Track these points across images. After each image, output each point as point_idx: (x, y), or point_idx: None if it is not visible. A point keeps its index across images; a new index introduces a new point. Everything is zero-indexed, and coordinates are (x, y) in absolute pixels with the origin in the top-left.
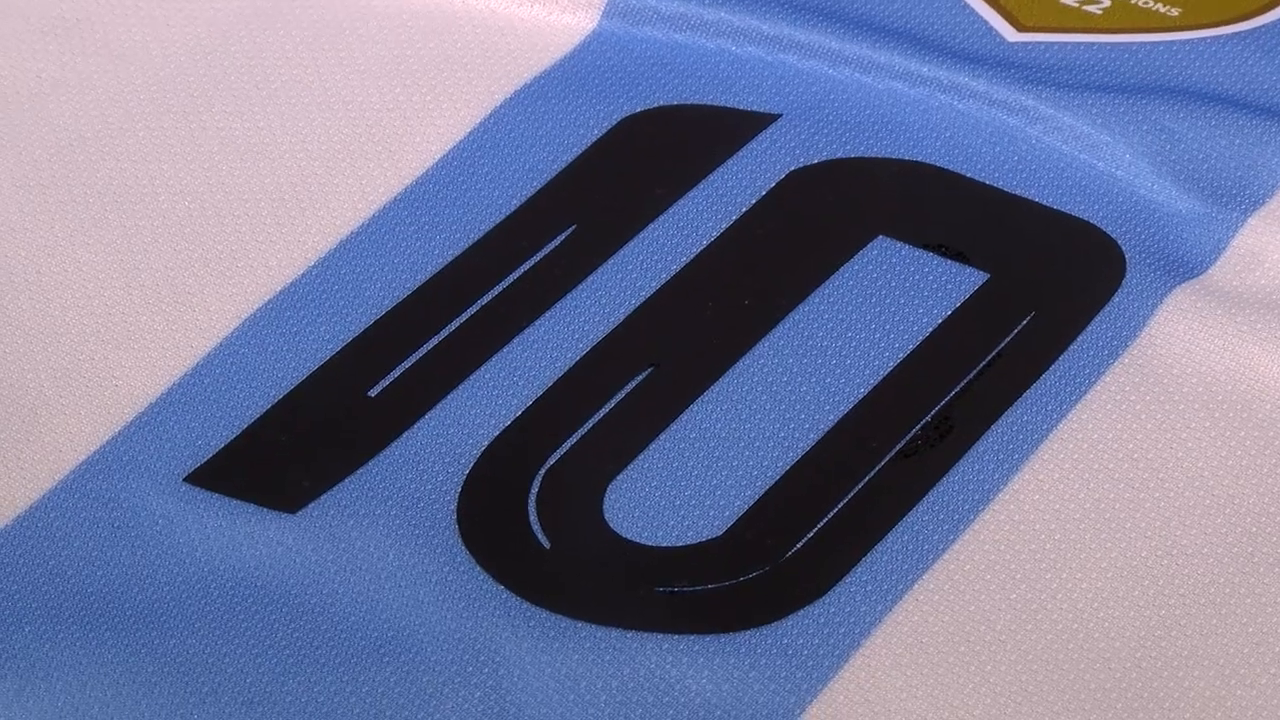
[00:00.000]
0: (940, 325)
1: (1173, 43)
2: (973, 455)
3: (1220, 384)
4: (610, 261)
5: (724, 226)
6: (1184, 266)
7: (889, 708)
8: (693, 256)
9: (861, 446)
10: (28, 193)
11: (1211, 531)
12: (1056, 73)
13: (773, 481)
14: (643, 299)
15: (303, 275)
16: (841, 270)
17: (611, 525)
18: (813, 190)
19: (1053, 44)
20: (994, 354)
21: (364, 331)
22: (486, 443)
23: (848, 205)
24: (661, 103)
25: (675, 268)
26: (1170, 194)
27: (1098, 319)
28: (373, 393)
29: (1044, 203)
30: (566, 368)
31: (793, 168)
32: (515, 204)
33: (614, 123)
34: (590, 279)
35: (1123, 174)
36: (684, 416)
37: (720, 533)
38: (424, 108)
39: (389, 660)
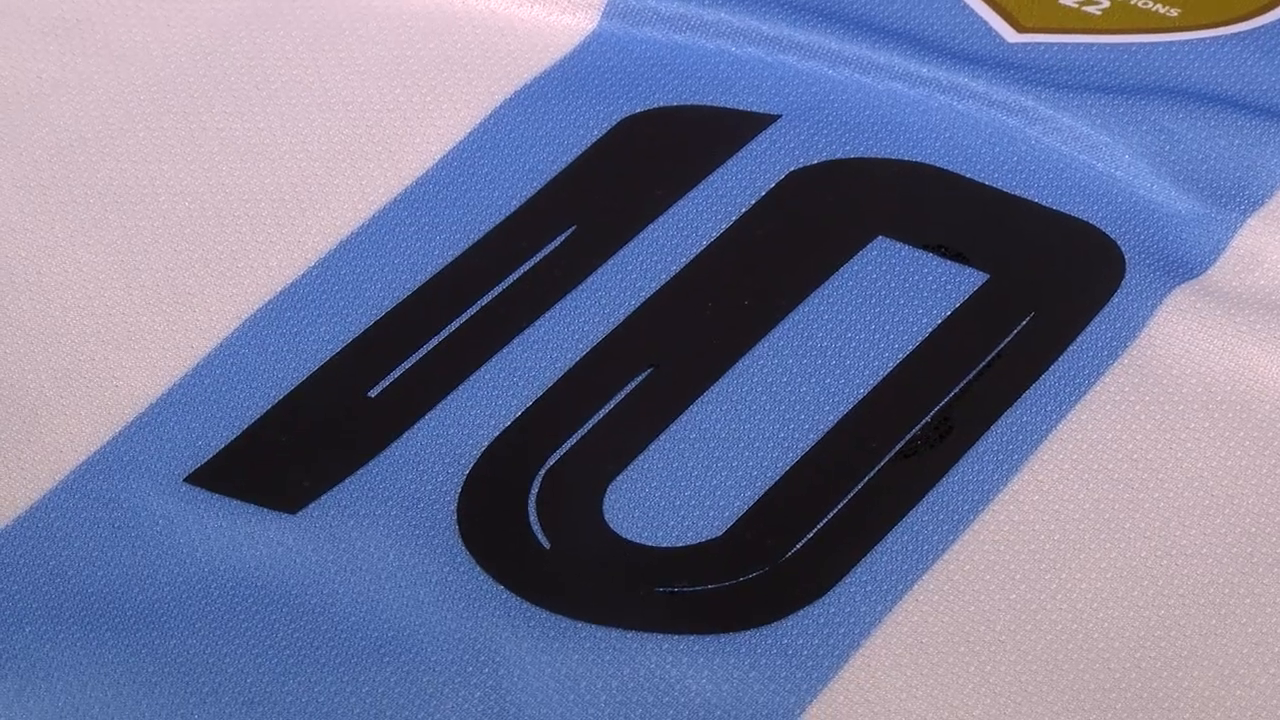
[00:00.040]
0: (940, 326)
1: (1172, 43)
2: (972, 455)
3: (1219, 384)
4: (610, 262)
5: (724, 227)
6: (1183, 267)
7: (889, 708)
8: (692, 257)
9: (861, 447)
10: (28, 193)
11: (1211, 532)
12: (1056, 73)
13: (772, 482)
14: (642, 299)
15: (303, 276)
16: (841, 271)
17: (611, 525)
18: (812, 191)
19: (1052, 45)
20: (993, 354)
21: (364, 332)
22: (486, 443)
23: (847, 206)
24: (661, 103)
25: (675, 268)
26: (1169, 194)
27: (1097, 319)
28: (373, 393)
29: (1043, 203)
30: (566, 368)
31: (792, 168)
32: (515, 204)
33: (614, 123)
34: (590, 279)
35: (1122, 174)
36: (684, 417)
37: (720, 533)
38: (424, 108)
39: (389, 660)
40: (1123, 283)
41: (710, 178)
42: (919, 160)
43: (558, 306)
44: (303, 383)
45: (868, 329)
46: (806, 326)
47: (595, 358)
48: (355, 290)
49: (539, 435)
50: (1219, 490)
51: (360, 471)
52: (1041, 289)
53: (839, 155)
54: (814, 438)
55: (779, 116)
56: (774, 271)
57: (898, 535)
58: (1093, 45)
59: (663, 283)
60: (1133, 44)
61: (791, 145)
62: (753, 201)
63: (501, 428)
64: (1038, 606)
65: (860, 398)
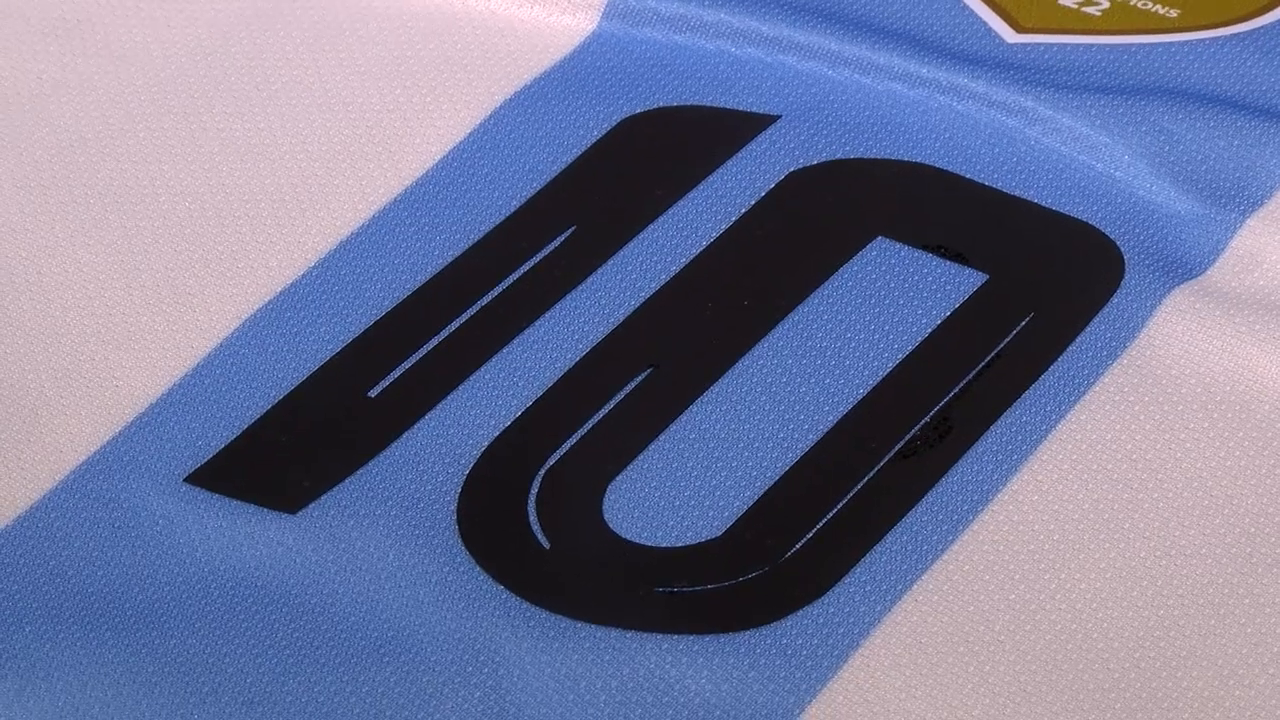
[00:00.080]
0: (939, 326)
1: (1171, 44)
2: (972, 456)
3: (1219, 385)
4: (610, 262)
5: (723, 227)
6: (1182, 267)
7: (888, 708)
8: (692, 257)
9: (861, 447)
10: (28, 193)
11: (1210, 532)
12: (1055, 74)
13: (772, 482)
14: (642, 300)
15: (303, 276)
16: (841, 271)
17: (611, 525)
18: (812, 191)
19: (1052, 45)
20: (993, 355)
21: (364, 332)
22: (486, 443)
23: (847, 206)
24: (661, 104)
25: (675, 268)
26: (1169, 195)
27: (1096, 320)
28: (373, 393)
29: (1043, 204)
30: (566, 368)
31: (792, 169)
32: (515, 205)
33: (614, 124)
34: (590, 280)
35: (1121, 175)
36: (683, 417)
37: (720, 533)
38: (424, 109)
39: (389, 660)
40: (1122, 283)
41: (710, 178)
42: (918, 161)
43: (558, 306)
44: (303, 383)
45: (867, 329)
46: (806, 327)
47: (595, 358)
48: (355, 290)
49: (539, 435)
50: (1218, 490)
51: (360, 471)
52: (1041, 289)
53: (839, 155)
54: (813, 438)
55: (779, 117)
56: (774, 272)
57: (897, 535)
58: (1092, 46)
59: (662, 283)
60: (1132, 44)
61: (791, 146)
62: (752, 202)
63: (501, 428)
64: (1037, 606)
65: (860, 398)
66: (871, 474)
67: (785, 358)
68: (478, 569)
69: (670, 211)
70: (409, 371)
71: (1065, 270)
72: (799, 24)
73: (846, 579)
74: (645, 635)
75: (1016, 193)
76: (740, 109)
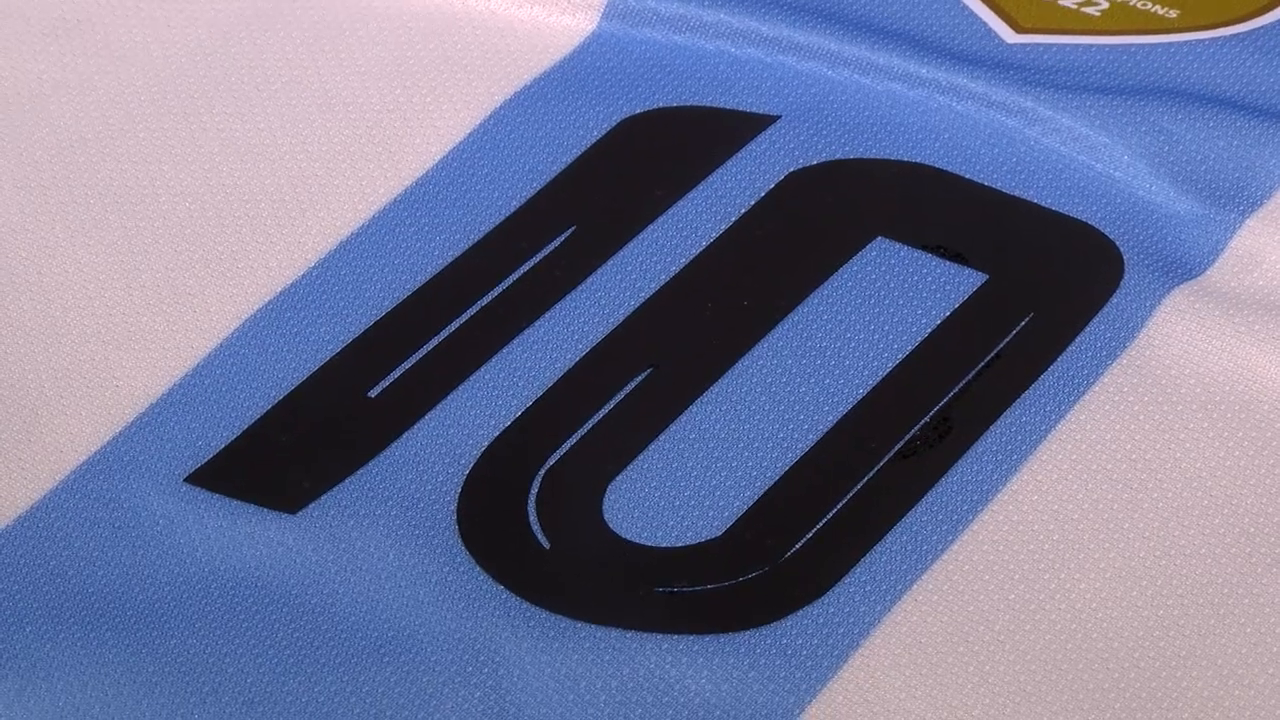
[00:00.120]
0: (939, 326)
1: (1171, 44)
2: (971, 456)
3: (1218, 385)
4: (610, 262)
5: (723, 228)
6: (1182, 267)
7: (888, 708)
8: (692, 257)
9: (860, 447)
10: (28, 194)
11: (1210, 532)
12: (1055, 74)
13: (772, 482)
14: (642, 300)
15: (303, 276)
16: (840, 271)
17: (611, 526)
18: (812, 191)
19: (1051, 45)
20: (993, 355)
21: (364, 332)
22: (486, 443)
23: (847, 206)
24: (661, 104)
25: (675, 269)
26: (1168, 195)
27: (1096, 320)
28: (373, 393)
29: (1042, 204)
30: (566, 368)
31: (792, 169)
32: (515, 205)
33: (613, 124)
34: (590, 280)
35: (1121, 175)
36: (683, 417)
37: (720, 533)
38: (424, 109)
39: (389, 660)
40: (1121, 283)
41: (710, 178)
42: (918, 161)
43: (557, 307)
44: (303, 383)
45: (867, 329)
46: (806, 327)
47: (595, 358)
48: (355, 290)
49: (539, 435)
50: (1218, 490)
51: (360, 471)
52: (1040, 289)
53: (838, 156)
54: (813, 438)
55: (778, 117)
56: (773, 272)
57: (897, 535)
58: (1091, 46)
59: (662, 283)
60: (1131, 45)
61: (791, 146)
62: (752, 202)
63: (501, 428)
64: (1037, 606)
65: (859, 398)
66: (871, 474)
67: (785, 358)
68: (478, 569)
69: (670, 212)
70: (409, 371)
71: (1065, 270)
72: (798, 24)
73: (846, 579)
74: (645, 635)
75: (1016, 193)
76: (740, 109)
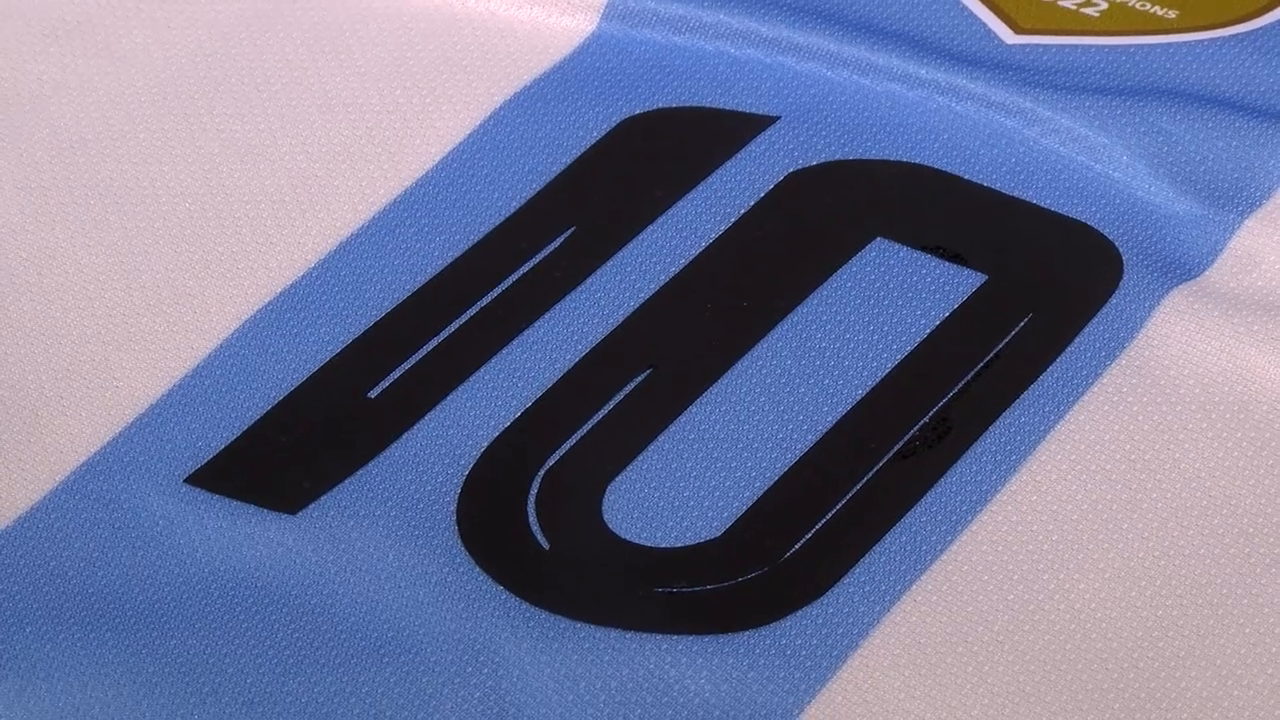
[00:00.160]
0: (938, 326)
1: (1170, 45)
2: (970, 456)
3: (1217, 385)
4: (609, 263)
5: (723, 228)
6: (1181, 268)
7: (887, 708)
8: (692, 258)
9: (860, 447)
10: (29, 194)
11: (1209, 532)
12: (1054, 75)
13: (771, 482)
14: (642, 300)
15: (303, 277)
16: (840, 272)
17: (610, 526)
18: (811, 192)
19: (1050, 46)
20: (992, 355)
21: (364, 333)
22: (486, 444)
23: (846, 207)
24: (660, 105)
25: (674, 269)
26: (1167, 196)
27: (1095, 320)
28: (373, 394)
29: (1042, 204)
30: (566, 369)
31: (791, 169)
32: (515, 206)
33: (613, 125)
34: (589, 281)
35: (1120, 176)
36: (683, 418)
37: (719, 534)
38: (424, 110)
39: (389, 661)
40: (1121, 283)
41: (709, 179)
42: (917, 161)
43: (557, 307)
44: (303, 383)
45: (866, 330)
46: (805, 327)
47: (594, 358)
48: (355, 291)
49: (538, 436)
50: (1217, 490)
51: (360, 472)
52: (1040, 290)
53: (838, 156)
54: (812, 438)
55: (778, 118)
56: (773, 272)
57: (896, 536)
58: (1090, 47)
59: (662, 284)
60: (1130, 45)
61: (790, 146)
62: (752, 203)
63: (501, 428)
64: (1036, 607)
65: (859, 398)
66: (870, 474)
67: (784, 358)
68: (477, 569)
69: (670, 212)
70: (409, 372)
71: (1064, 271)
72: (798, 25)
73: (845, 579)
74: (645, 636)
75: (1015, 193)
76: (739, 110)
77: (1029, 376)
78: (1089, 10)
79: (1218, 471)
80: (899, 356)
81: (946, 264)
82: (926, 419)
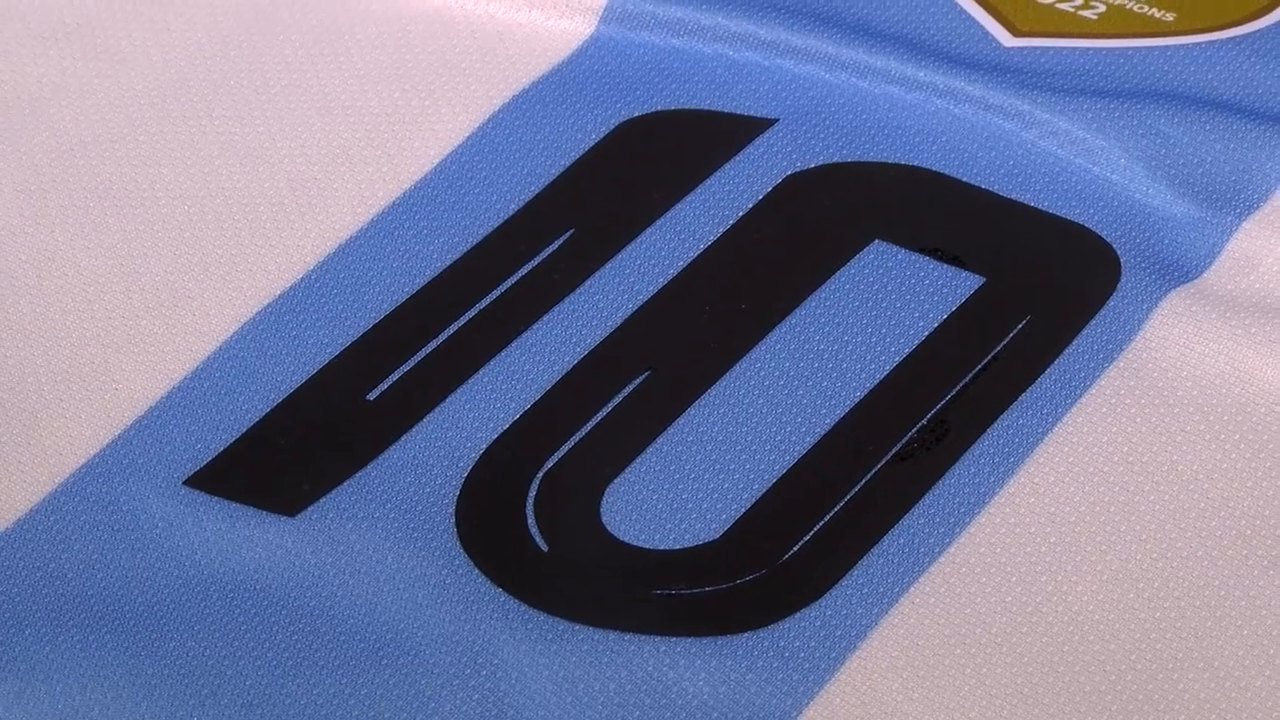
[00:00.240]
0: (936, 329)
1: (1167, 47)
2: (968, 459)
3: (1215, 387)
4: (608, 265)
5: (721, 231)
6: (1179, 270)
7: (885, 710)
8: (690, 260)
9: (858, 450)
10: (28, 197)
11: (1206, 534)
12: (1052, 77)
13: (769, 485)
14: (640, 303)
15: (302, 279)
16: (838, 274)
17: (609, 528)
18: (809, 194)
19: (1048, 49)
20: (990, 357)
21: (363, 335)
22: (485, 446)
23: (844, 209)
24: (659, 107)
25: (672, 272)
26: (1165, 198)
27: (1093, 323)
28: (371, 396)
29: (1039, 207)
30: (564, 371)
31: (789, 172)
32: (513, 208)
33: (611, 127)
34: (588, 283)
35: (1118, 178)
36: (681, 420)
37: (717, 536)
38: (422, 112)
39: (388, 662)
40: (1118, 286)
41: (708, 181)
42: (916, 164)
43: (556, 309)
44: (302, 386)
45: (864, 332)
46: (803, 330)
47: (593, 361)
48: (354, 293)
49: (537, 438)
50: (1214, 493)
51: (359, 474)
52: (1037, 292)
53: (836, 159)
54: (811, 441)
55: (776, 120)
56: (771, 275)
57: (894, 538)
58: (1088, 49)
59: (660, 286)
60: (1128, 48)
61: (789, 149)
62: (750, 205)
63: (500, 430)
64: (1034, 609)
65: (857, 401)
66: (868, 477)
67: (783, 361)
68: (476, 571)
69: (668, 215)
70: (408, 374)
71: (1062, 273)
72: (796, 28)
73: (844, 581)
74: (643, 637)
75: (1013, 196)
76: (738, 113)
77: (1027, 378)
78: (1087, 13)
79: (1215, 473)
80: (897, 359)
81: (945, 266)
82: (924, 421)
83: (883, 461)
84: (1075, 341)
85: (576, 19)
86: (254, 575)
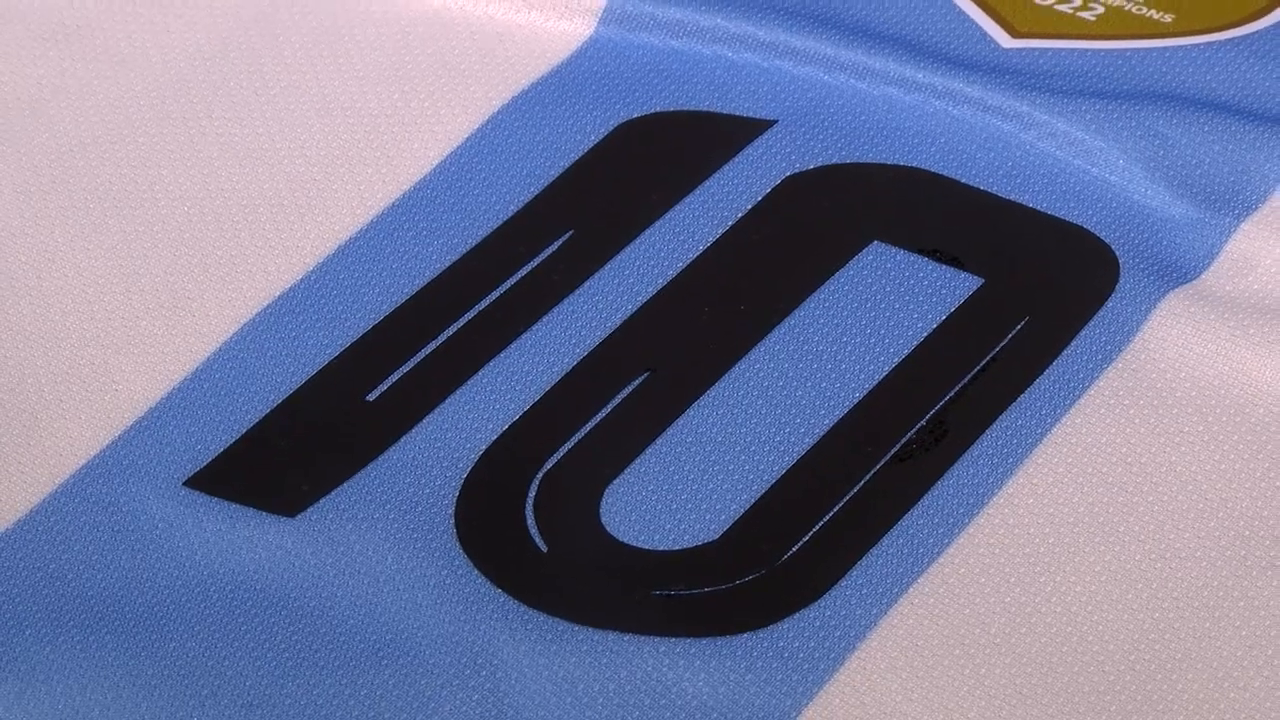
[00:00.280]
0: (935, 330)
1: (1166, 49)
2: (967, 459)
3: (1213, 388)
4: (607, 266)
5: (720, 232)
6: (1177, 271)
7: (884, 711)
8: (689, 262)
9: (857, 451)
10: (28, 198)
11: (1205, 535)
12: (1050, 79)
13: (769, 485)
14: (639, 304)
15: (301, 280)
16: (837, 275)
17: (608, 529)
18: (808, 196)
19: (1047, 50)
20: (988, 358)
21: (362, 336)
22: (484, 447)
23: (843, 211)
24: (658, 109)
25: (672, 273)
26: (1164, 199)
27: (1091, 324)
28: (371, 397)
29: (1038, 208)
30: (564, 372)
31: (788, 173)
32: (513, 209)
33: (611, 129)
34: (587, 284)
35: (1116, 179)
36: (680, 421)
37: (716, 536)
38: (422, 114)
39: (387, 663)
40: (1117, 287)
41: (707, 183)
42: (914, 165)
43: (555, 311)
44: (301, 387)
45: (863, 333)
46: (802, 331)
47: (592, 361)
48: (354, 295)
49: (536, 439)
50: (1213, 494)
51: (359, 475)
52: (1036, 293)
53: (835, 160)
54: (810, 441)
55: (775, 122)
56: (770, 276)
57: (893, 539)
58: (1087, 51)
59: (659, 287)
60: (1127, 49)
61: (788, 150)
62: (749, 206)
63: (499, 431)
64: (1033, 610)
65: (856, 401)
66: (867, 478)
67: (782, 362)
68: (476, 572)
69: (667, 216)
70: (407, 375)
71: (1060, 274)
72: (795, 29)
73: (843, 582)
74: (642, 638)
75: (1012, 197)
76: (737, 114)
77: (1026, 379)
78: (1085, 14)
79: (1214, 475)
80: (896, 359)
81: (943, 267)
82: (923, 422)
83: (882, 462)
84: (1074, 342)
85: (576, 20)
86: (254, 576)
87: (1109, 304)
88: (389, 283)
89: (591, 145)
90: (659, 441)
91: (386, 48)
